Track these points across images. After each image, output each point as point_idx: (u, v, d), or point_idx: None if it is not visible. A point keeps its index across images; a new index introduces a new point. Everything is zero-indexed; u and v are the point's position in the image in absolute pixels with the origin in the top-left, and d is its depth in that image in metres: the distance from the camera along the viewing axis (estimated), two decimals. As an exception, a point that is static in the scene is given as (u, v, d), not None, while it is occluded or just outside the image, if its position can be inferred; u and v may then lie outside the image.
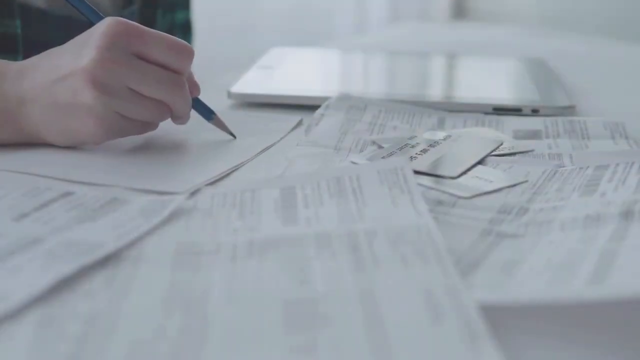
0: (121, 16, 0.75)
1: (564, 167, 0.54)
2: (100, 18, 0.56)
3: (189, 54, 0.55)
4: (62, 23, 0.69)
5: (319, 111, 0.66)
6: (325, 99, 0.68)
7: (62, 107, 0.53)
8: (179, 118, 0.57)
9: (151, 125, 0.57)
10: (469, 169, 0.53)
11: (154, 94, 0.54)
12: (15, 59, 0.66)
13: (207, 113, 0.61)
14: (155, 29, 0.81)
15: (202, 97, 0.60)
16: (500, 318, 0.34)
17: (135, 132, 0.56)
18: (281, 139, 0.61)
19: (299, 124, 0.65)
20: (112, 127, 0.54)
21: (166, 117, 0.56)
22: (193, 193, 0.48)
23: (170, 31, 0.87)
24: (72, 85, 0.52)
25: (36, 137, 0.55)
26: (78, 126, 0.53)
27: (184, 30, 0.90)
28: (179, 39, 0.56)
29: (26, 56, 0.67)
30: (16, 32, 0.65)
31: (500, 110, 0.69)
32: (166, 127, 0.58)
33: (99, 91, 0.52)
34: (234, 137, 0.60)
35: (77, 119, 0.53)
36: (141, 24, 0.55)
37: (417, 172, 0.52)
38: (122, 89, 0.53)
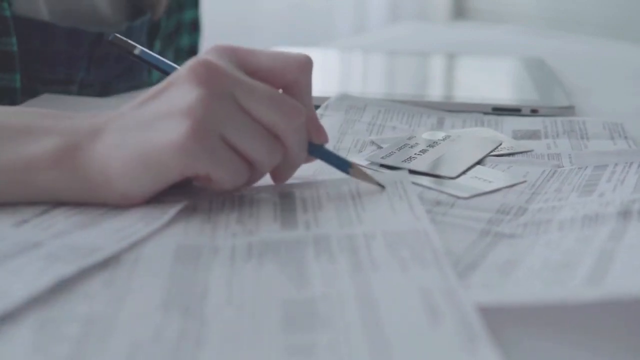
0: (131, 27, 0.74)
1: (562, 167, 0.55)
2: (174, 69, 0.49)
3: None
4: (67, 34, 0.68)
5: (318, 111, 0.66)
6: (325, 99, 0.68)
7: (149, 119, 0.43)
8: (289, 165, 0.47)
9: (242, 176, 0.45)
10: (468, 169, 0.53)
11: (261, 112, 0.44)
12: (12, 77, 0.64)
13: (342, 164, 0.49)
14: (160, 32, 0.81)
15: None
16: (499, 319, 0.34)
17: (229, 170, 0.44)
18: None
19: (298, 124, 0.65)
20: (206, 141, 0.42)
21: (277, 156, 0.45)
22: (192, 196, 0.48)
23: (177, 31, 0.87)
24: (175, 92, 0.43)
25: (97, 179, 0.44)
26: (163, 135, 0.42)
27: (192, 29, 0.90)
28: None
29: (24, 70, 0.66)
30: (12, 50, 0.64)
31: (500, 111, 0.69)
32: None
33: (207, 91, 0.42)
34: (383, 187, 0.48)
35: (165, 127, 0.42)
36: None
37: (416, 173, 0.52)
38: (230, 97, 0.43)
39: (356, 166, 0.48)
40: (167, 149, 0.42)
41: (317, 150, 0.48)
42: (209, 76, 0.43)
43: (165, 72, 0.50)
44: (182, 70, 0.44)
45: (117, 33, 0.51)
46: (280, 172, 0.48)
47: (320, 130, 0.48)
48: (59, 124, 0.45)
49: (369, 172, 0.49)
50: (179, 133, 0.42)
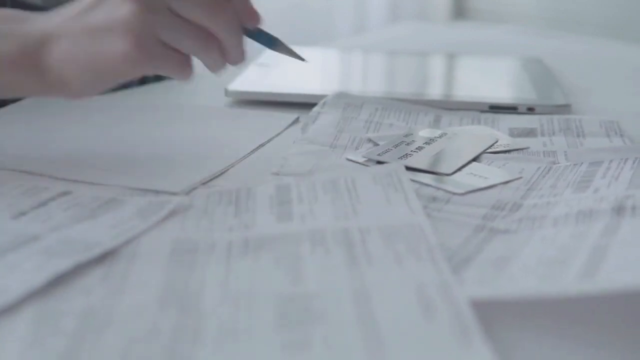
0: None
1: (558, 163, 0.55)
2: None
3: None
4: None
5: (315, 109, 0.66)
6: (323, 97, 0.68)
7: (93, 30, 0.49)
8: (229, 53, 0.54)
9: (187, 68, 0.52)
10: (464, 166, 0.54)
11: (192, 15, 0.51)
12: None
13: (269, 42, 0.57)
14: None
15: (199, 93, 0.60)
16: (492, 313, 0.34)
17: (173, 66, 0.52)
18: (277, 135, 0.62)
19: (296, 121, 0.66)
20: (148, 48, 0.49)
21: (212, 50, 0.53)
22: (189, 191, 0.48)
23: None
24: (108, 6, 0.49)
25: (55, 81, 0.50)
26: (110, 47, 0.49)
27: None
28: None
29: None
30: None
31: (497, 109, 0.70)
32: (163, 121, 0.58)
33: (138, 5, 0.49)
34: (304, 60, 0.59)
35: (109, 39, 0.49)
36: None
37: (412, 169, 0.53)
38: (163, 8, 0.50)
39: (281, 42, 0.57)
40: (116, 60, 0.49)
41: (250, 32, 0.55)
42: None
43: None
44: None
45: None
46: (229, 55, 0.54)
47: (253, 14, 0.55)
48: (15, 29, 0.51)
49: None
50: (122, 46, 0.48)
